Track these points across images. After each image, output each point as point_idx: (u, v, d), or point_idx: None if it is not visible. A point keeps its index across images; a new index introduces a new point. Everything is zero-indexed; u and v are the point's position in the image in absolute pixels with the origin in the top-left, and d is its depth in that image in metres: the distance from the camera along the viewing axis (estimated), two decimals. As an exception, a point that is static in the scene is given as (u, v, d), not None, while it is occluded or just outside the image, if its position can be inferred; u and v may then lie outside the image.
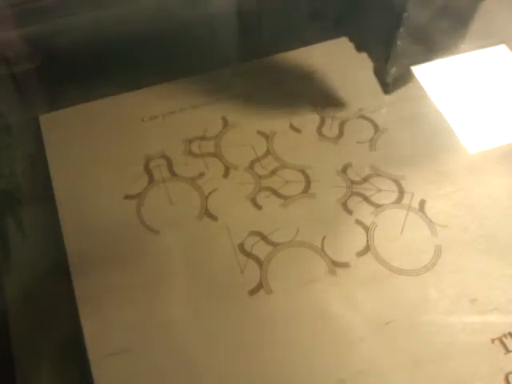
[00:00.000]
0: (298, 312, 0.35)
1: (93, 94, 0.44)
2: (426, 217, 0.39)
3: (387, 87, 0.40)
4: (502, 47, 0.49)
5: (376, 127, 0.43)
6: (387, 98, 0.45)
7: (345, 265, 0.37)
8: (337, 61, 0.46)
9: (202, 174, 0.40)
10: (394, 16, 0.34)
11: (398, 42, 0.35)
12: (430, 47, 0.36)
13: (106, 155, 0.41)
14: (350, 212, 0.39)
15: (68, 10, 0.46)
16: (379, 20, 0.36)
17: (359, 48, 0.40)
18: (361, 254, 0.37)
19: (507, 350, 0.34)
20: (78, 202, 0.39)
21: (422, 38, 0.36)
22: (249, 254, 0.37)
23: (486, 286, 0.36)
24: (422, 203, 0.39)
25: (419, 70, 0.47)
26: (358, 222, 0.38)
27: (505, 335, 0.34)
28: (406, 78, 0.40)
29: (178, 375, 0.33)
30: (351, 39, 0.40)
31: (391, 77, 0.39)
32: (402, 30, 0.34)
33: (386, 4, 0.35)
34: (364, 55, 0.47)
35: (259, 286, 0.36)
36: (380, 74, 0.39)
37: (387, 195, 0.40)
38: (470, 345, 0.34)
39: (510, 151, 0.42)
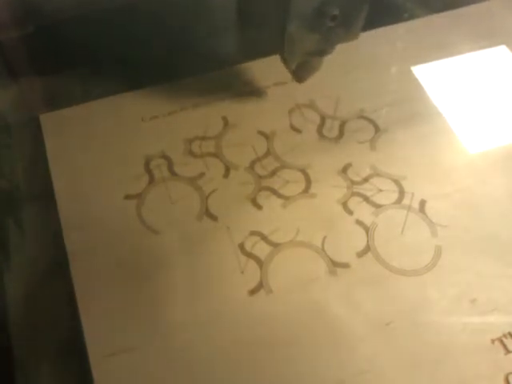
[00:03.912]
0: (297, 312, 0.35)
1: (93, 93, 0.44)
2: (427, 217, 0.39)
3: (295, 75, 0.40)
4: (503, 48, 0.49)
5: (376, 127, 0.43)
6: (388, 98, 0.45)
7: (345, 265, 0.37)
8: (337, 61, 0.46)
9: (202, 174, 0.40)
10: (283, 8, 0.34)
11: (289, 29, 0.35)
12: (328, 35, 0.36)
13: (107, 155, 0.41)
14: (350, 212, 0.39)
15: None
16: (275, 6, 0.35)
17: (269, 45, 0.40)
18: (361, 254, 0.37)
19: (507, 351, 0.34)
20: (78, 201, 0.39)
21: (318, 25, 0.35)
22: (249, 254, 0.37)
23: (486, 286, 0.36)
24: (423, 203, 0.39)
25: (420, 71, 0.47)
26: (359, 222, 0.38)
27: (505, 335, 0.34)
28: (313, 65, 0.39)
29: (178, 375, 0.33)
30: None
31: (293, 64, 0.39)
32: (291, 15, 0.34)
33: None
34: (365, 56, 0.47)
35: (259, 286, 0.36)
36: (284, 63, 0.39)
37: (387, 195, 0.40)
38: (469, 345, 0.34)
39: (510, 151, 0.42)
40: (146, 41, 0.47)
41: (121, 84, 0.45)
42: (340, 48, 0.39)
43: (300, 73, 0.40)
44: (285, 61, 0.38)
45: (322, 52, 0.38)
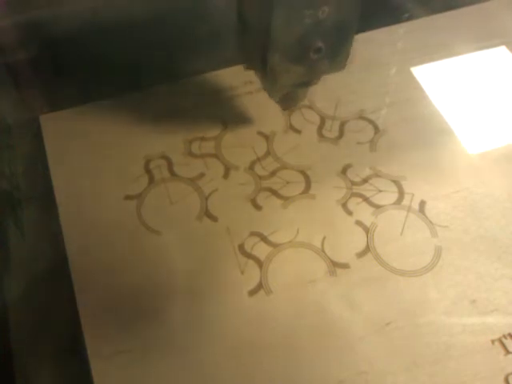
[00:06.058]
0: (297, 313, 0.35)
1: (93, 94, 0.44)
2: (426, 218, 0.39)
3: (281, 104, 0.39)
4: (503, 49, 0.49)
5: (376, 128, 0.43)
6: (387, 99, 0.45)
7: (345, 265, 0.37)
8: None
9: (202, 175, 0.40)
10: (265, 39, 0.32)
11: (271, 62, 0.33)
12: (312, 67, 0.34)
13: (106, 155, 0.41)
14: (350, 213, 0.39)
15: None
16: (256, 38, 0.34)
17: (246, 67, 0.38)
18: (361, 254, 0.37)
19: (507, 351, 0.34)
20: (78, 202, 0.39)
21: (301, 58, 0.33)
22: (249, 255, 0.37)
23: (486, 287, 0.36)
24: (422, 204, 0.39)
25: (419, 71, 0.47)
26: (358, 223, 0.38)
27: (505, 336, 0.34)
28: (298, 95, 0.38)
29: (178, 375, 0.33)
30: (239, 56, 0.38)
31: (277, 96, 0.38)
32: (272, 48, 0.32)
33: (259, 22, 0.33)
34: (365, 56, 0.47)
35: (259, 287, 0.36)
36: (267, 92, 0.38)
37: (387, 196, 0.40)
38: (469, 346, 0.34)
39: (509, 152, 0.42)
40: (146, 41, 0.47)
41: (121, 85, 0.45)
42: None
43: (285, 102, 0.39)
44: (269, 93, 0.37)
45: (306, 83, 0.37)
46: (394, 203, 0.39)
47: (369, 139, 0.43)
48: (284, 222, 0.38)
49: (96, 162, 0.41)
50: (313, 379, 0.33)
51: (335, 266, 0.36)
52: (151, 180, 0.40)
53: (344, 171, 0.41)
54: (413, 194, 0.40)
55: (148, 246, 0.37)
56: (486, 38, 0.49)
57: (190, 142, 0.42)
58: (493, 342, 0.34)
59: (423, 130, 0.43)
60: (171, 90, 0.45)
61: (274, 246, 0.37)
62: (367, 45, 0.47)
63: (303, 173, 0.41)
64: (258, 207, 0.39)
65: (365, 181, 0.40)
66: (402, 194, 0.40)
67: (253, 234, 0.38)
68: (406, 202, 0.39)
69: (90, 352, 0.33)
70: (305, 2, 0.30)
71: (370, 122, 0.43)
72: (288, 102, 0.39)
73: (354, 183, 0.40)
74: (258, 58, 0.35)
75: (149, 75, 0.46)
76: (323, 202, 0.39)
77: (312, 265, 0.37)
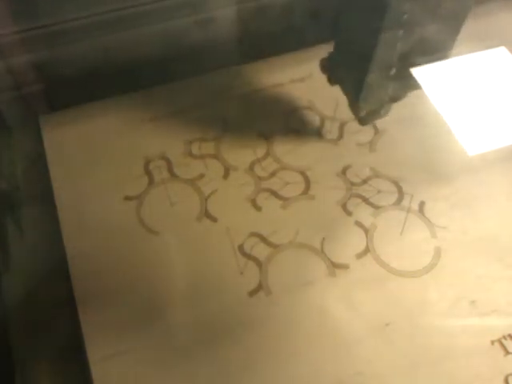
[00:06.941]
0: (297, 313, 0.35)
1: (92, 95, 0.44)
2: (426, 218, 0.39)
3: (361, 120, 0.40)
4: (502, 49, 0.49)
5: (376, 129, 0.43)
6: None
7: (344, 266, 0.37)
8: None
9: (201, 175, 0.40)
10: (366, 56, 0.33)
11: (370, 78, 0.34)
12: (405, 83, 0.35)
13: (106, 156, 0.41)
14: (349, 213, 0.39)
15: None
16: (351, 58, 0.35)
17: (332, 81, 0.39)
18: (360, 255, 0.37)
19: (507, 352, 0.34)
20: (77, 202, 0.39)
21: (398, 74, 0.35)
22: (248, 256, 0.37)
23: (485, 287, 0.36)
24: (422, 205, 0.39)
25: (419, 72, 0.47)
26: (358, 224, 0.38)
27: (504, 337, 0.34)
28: (384, 111, 0.39)
29: (178, 375, 0.33)
30: (323, 71, 0.39)
31: (364, 112, 0.38)
32: (374, 66, 0.33)
33: (359, 43, 0.34)
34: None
35: (259, 287, 0.36)
36: (353, 108, 0.38)
37: (387, 197, 0.40)
38: (469, 347, 0.34)
39: (508, 153, 0.42)
40: (146, 42, 0.47)
41: (120, 85, 0.45)
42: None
43: (366, 118, 0.40)
44: (356, 107, 0.38)
45: (394, 99, 0.38)
46: (394, 204, 0.39)
47: (368, 140, 0.43)
48: (283, 222, 0.38)
49: (96, 162, 0.41)
50: (312, 379, 0.33)
51: (335, 266, 0.36)
52: (151, 181, 0.40)
53: (343, 172, 0.41)
54: (412, 195, 0.40)
55: (147, 246, 0.37)
56: (485, 39, 0.49)
57: (189, 142, 0.42)
58: (492, 342, 0.34)
59: (423, 131, 0.43)
60: (171, 91, 0.45)
61: (274, 246, 0.37)
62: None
63: (303, 173, 0.41)
64: (257, 208, 0.39)
65: (364, 181, 0.40)
66: (401, 194, 0.40)
67: (252, 234, 0.38)
68: (405, 202, 0.39)
69: (90, 352, 0.33)
70: (414, 21, 0.31)
71: (370, 122, 0.43)
72: (369, 117, 0.39)
73: (353, 184, 0.40)
74: (352, 74, 0.35)
75: (148, 75, 0.46)
76: (323, 203, 0.39)
77: (311, 265, 0.37)
